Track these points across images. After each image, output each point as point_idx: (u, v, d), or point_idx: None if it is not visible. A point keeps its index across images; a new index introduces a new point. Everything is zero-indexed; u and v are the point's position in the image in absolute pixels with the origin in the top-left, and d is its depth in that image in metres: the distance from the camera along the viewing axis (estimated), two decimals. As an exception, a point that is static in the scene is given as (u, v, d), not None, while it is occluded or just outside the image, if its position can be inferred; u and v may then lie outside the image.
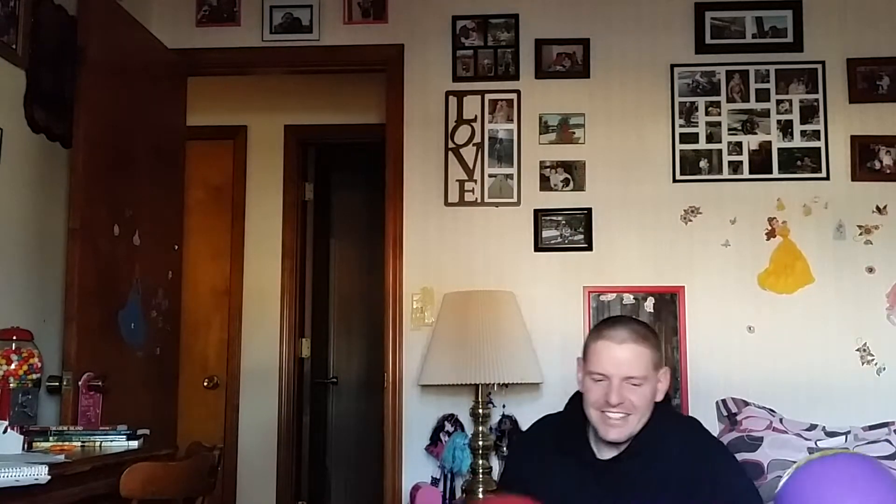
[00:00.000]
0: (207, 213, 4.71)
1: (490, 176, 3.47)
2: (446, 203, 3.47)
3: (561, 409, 3.26)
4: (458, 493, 3.16)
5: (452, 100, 3.51)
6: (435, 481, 3.27)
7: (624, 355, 2.07)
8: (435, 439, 3.32)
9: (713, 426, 2.90)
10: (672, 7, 3.49)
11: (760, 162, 3.40)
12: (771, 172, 3.39)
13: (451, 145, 3.49)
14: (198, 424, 4.22)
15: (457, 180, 3.48)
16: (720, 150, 3.41)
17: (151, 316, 3.34)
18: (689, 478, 2.08)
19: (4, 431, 2.10)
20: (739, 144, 3.41)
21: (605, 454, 2.15)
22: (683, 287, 3.36)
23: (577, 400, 2.22)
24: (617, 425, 2.08)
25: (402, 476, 3.37)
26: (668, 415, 2.23)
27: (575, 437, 2.18)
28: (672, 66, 3.46)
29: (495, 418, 3.28)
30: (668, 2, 3.50)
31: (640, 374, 2.07)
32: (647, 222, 3.41)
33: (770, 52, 3.44)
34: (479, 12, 3.54)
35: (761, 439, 2.71)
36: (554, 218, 3.43)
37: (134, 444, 2.39)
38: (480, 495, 3.02)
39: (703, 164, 3.41)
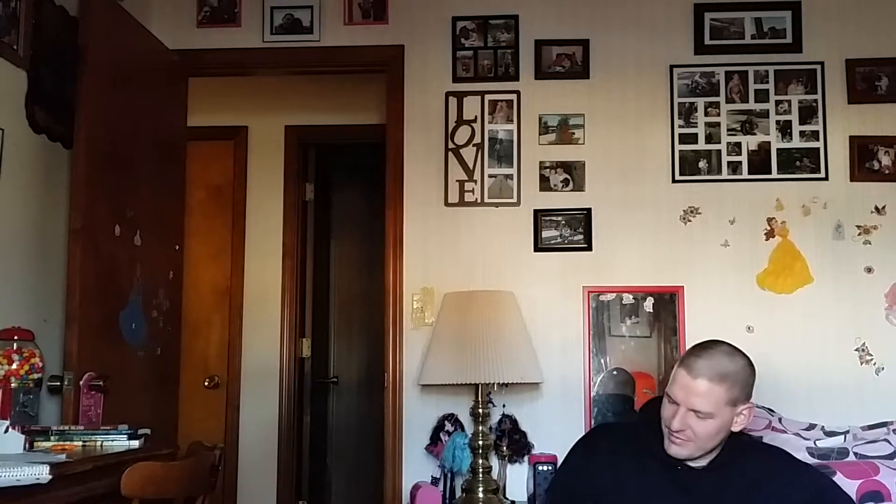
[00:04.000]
0: (208, 214, 4.72)
1: (490, 176, 3.47)
2: (446, 203, 3.47)
3: (561, 409, 3.32)
4: (458, 493, 3.17)
5: (452, 100, 3.51)
6: (435, 481, 3.28)
7: (694, 389, 2.15)
8: (435, 439, 3.32)
9: (712, 426, 2.90)
10: (671, 8, 3.50)
11: (759, 162, 3.40)
12: (770, 173, 3.39)
13: (451, 146, 3.49)
14: (198, 424, 4.23)
15: (457, 180, 3.48)
16: (719, 151, 3.42)
17: (152, 316, 3.34)
18: (784, 487, 2.16)
19: (6, 431, 2.10)
20: (738, 145, 3.42)
21: (691, 462, 2.21)
22: (683, 287, 3.36)
23: (656, 407, 2.28)
24: (677, 443, 2.18)
25: (402, 476, 3.37)
26: (751, 439, 2.33)
27: (661, 441, 2.24)
28: (671, 67, 3.47)
29: (495, 418, 3.29)
30: (667, 2, 3.50)
31: (705, 410, 2.13)
32: (646, 222, 3.41)
33: (769, 53, 3.44)
34: (479, 13, 3.55)
35: (760, 439, 2.72)
36: (554, 218, 3.43)
37: (135, 443, 2.39)
38: (480, 495, 3.02)
39: (702, 164, 3.42)
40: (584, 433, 3.23)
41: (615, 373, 3.34)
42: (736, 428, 2.19)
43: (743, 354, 2.25)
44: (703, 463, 2.20)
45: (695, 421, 2.14)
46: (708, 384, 2.13)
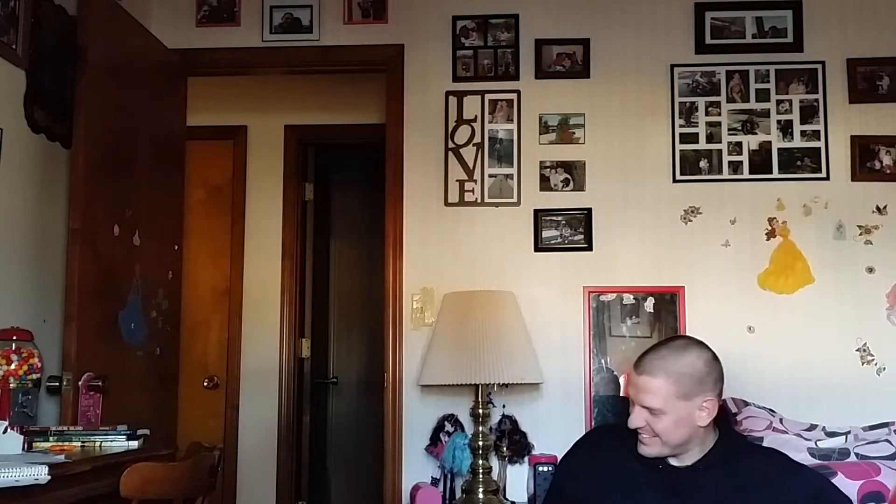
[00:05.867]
0: (207, 213, 4.72)
1: (490, 176, 3.47)
2: (446, 203, 3.47)
3: (561, 409, 3.32)
4: (458, 494, 3.16)
5: (452, 100, 3.51)
6: (435, 481, 3.27)
7: (641, 385, 2.17)
8: (435, 439, 3.31)
9: (713, 426, 2.90)
10: (672, 7, 3.49)
11: (760, 162, 3.39)
12: (771, 172, 3.39)
13: (451, 145, 3.49)
14: (198, 424, 4.22)
15: (457, 180, 3.47)
16: (720, 151, 3.41)
17: (151, 316, 3.34)
18: (780, 487, 2.15)
19: (4, 431, 2.10)
20: (739, 144, 3.41)
21: (676, 462, 2.22)
22: (683, 287, 3.36)
23: None
24: (644, 442, 2.20)
25: (402, 476, 3.37)
26: (745, 441, 2.31)
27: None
28: (672, 66, 3.46)
29: (495, 418, 3.28)
30: (668, 2, 3.49)
31: (654, 406, 2.14)
32: (647, 222, 3.41)
33: (770, 52, 3.44)
34: (479, 12, 3.54)
35: (761, 440, 2.71)
36: (554, 218, 3.42)
37: (134, 444, 2.39)
38: (480, 495, 3.02)
39: (703, 164, 3.41)
40: (584, 434, 3.25)
41: (615, 373, 3.33)
42: (701, 422, 2.17)
43: (697, 348, 2.22)
44: (687, 462, 2.20)
45: (650, 418, 2.15)
46: (652, 380, 2.15)
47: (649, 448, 2.18)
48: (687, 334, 2.34)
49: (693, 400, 2.15)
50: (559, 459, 2.45)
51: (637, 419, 2.16)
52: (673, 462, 2.20)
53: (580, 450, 2.38)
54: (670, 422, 2.13)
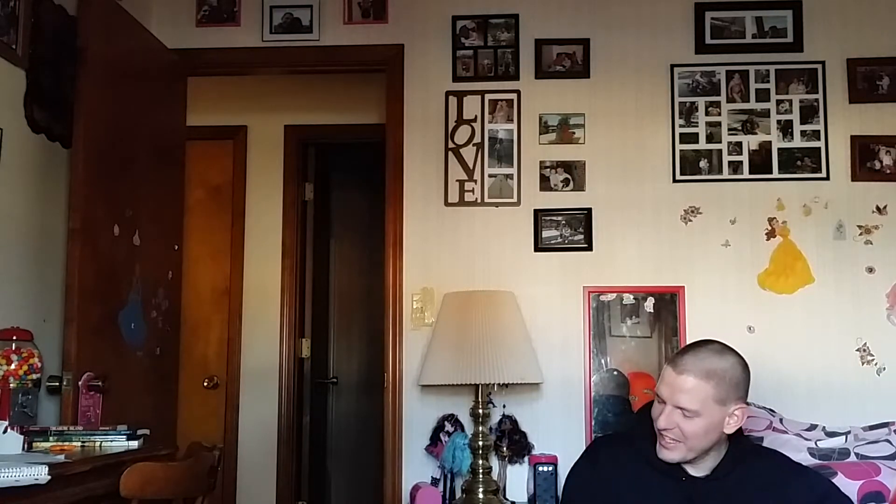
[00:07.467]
0: (207, 213, 4.72)
1: (490, 176, 3.47)
2: (446, 203, 3.47)
3: (561, 409, 3.32)
4: (458, 493, 3.16)
5: (452, 100, 3.51)
6: (435, 481, 3.27)
7: (679, 385, 2.11)
8: (435, 439, 3.31)
9: (713, 426, 2.89)
10: (672, 7, 3.49)
11: (760, 162, 3.40)
12: (771, 172, 3.39)
13: (451, 145, 3.49)
14: (198, 424, 4.23)
15: (457, 180, 3.47)
16: (720, 150, 3.41)
17: (151, 316, 3.34)
18: (786, 491, 2.14)
19: (4, 431, 2.10)
20: (739, 144, 3.41)
21: (694, 471, 2.18)
22: (683, 287, 3.36)
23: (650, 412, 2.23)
24: (667, 447, 2.14)
25: (402, 476, 3.37)
26: (751, 444, 2.30)
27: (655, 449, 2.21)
28: (672, 66, 3.46)
29: (495, 418, 3.28)
30: (668, 2, 3.50)
31: (691, 408, 2.09)
32: (647, 222, 3.41)
33: (770, 52, 3.44)
34: (479, 12, 3.54)
35: (761, 440, 2.71)
36: (554, 218, 3.42)
37: (134, 444, 2.39)
38: (480, 495, 3.02)
39: (703, 164, 3.41)
40: (584, 433, 3.26)
41: (615, 373, 3.33)
42: (728, 430, 2.14)
43: (734, 353, 2.20)
44: (704, 470, 2.18)
45: (681, 419, 2.09)
46: (693, 381, 2.09)
47: (671, 453, 2.13)
48: (716, 339, 2.30)
49: (727, 405, 2.12)
50: (566, 478, 2.39)
51: (667, 420, 2.10)
52: (691, 471, 2.17)
53: (587, 463, 2.32)
54: (701, 425, 2.09)
